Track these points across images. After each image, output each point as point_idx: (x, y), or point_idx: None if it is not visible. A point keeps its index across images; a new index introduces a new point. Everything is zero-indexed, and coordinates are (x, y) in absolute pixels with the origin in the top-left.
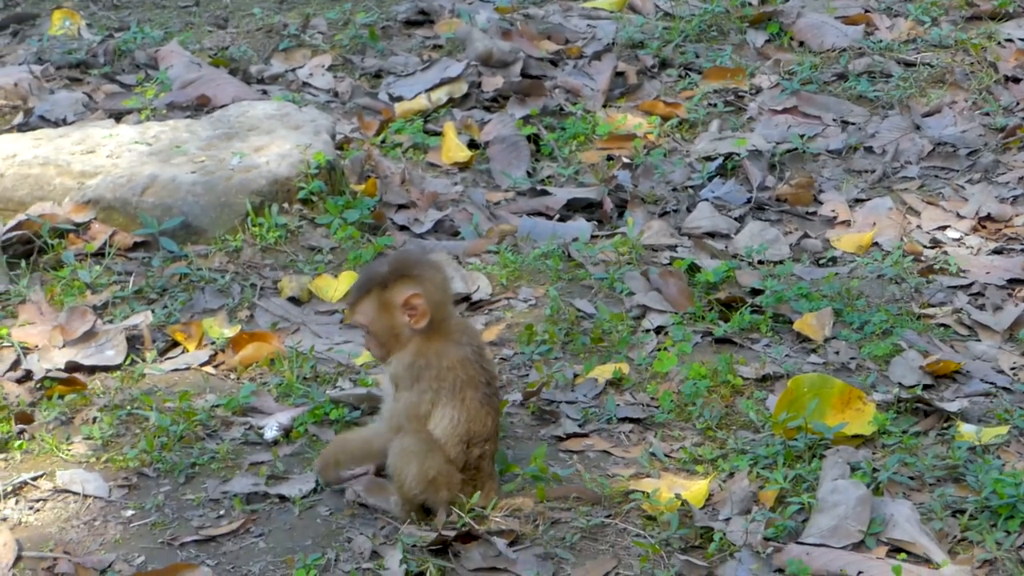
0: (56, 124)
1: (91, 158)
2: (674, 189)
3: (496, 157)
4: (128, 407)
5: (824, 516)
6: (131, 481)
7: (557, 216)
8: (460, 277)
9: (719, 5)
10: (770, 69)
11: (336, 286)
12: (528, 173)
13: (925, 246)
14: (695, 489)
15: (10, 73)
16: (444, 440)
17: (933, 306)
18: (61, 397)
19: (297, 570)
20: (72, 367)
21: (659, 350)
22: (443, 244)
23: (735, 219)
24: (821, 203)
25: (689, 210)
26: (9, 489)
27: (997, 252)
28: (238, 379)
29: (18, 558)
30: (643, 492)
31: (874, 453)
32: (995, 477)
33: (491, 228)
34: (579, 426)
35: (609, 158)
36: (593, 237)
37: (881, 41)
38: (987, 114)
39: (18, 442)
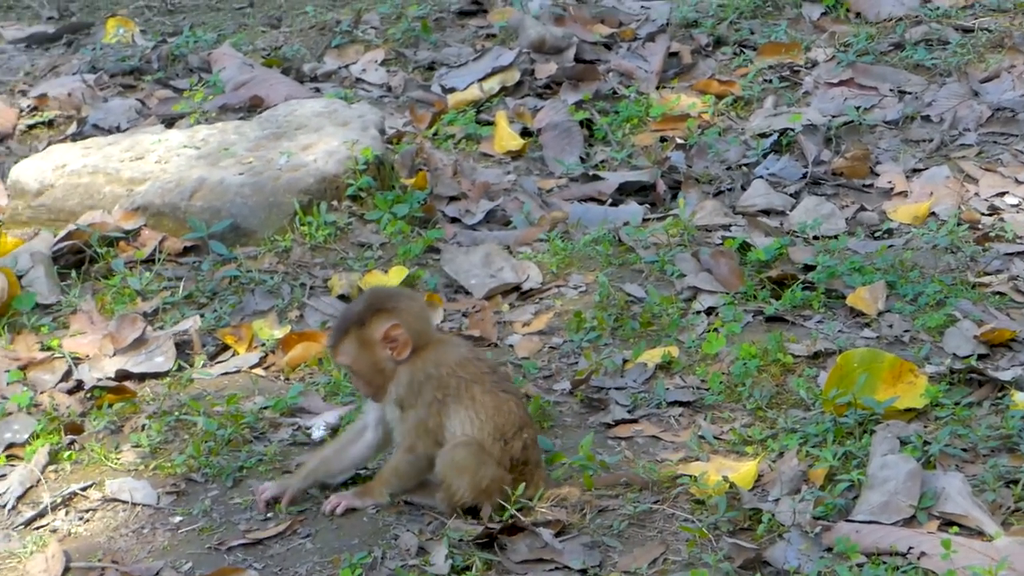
0: (109, 132)
1: (140, 164)
2: (728, 168)
3: (549, 144)
4: (176, 413)
5: (874, 492)
6: (179, 487)
7: (609, 201)
8: (511, 267)
9: None
10: (825, 42)
11: (387, 282)
12: (581, 159)
13: (983, 214)
14: (744, 471)
15: (64, 83)
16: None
17: (989, 274)
18: (111, 406)
19: (343, 570)
20: (122, 375)
21: (709, 331)
22: (494, 234)
23: (790, 195)
24: (877, 175)
25: (743, 188)
26: (59, 500)
27: None
28: (287, 380)
29: (66, 569)
30: (691, 476)
31: (926, 426)
32: None
33: (542, 216)
34: (628, 412)
35: (663, 140)
36: (645, 220)
37: (938, 8)
38: None
39: (68, 453)
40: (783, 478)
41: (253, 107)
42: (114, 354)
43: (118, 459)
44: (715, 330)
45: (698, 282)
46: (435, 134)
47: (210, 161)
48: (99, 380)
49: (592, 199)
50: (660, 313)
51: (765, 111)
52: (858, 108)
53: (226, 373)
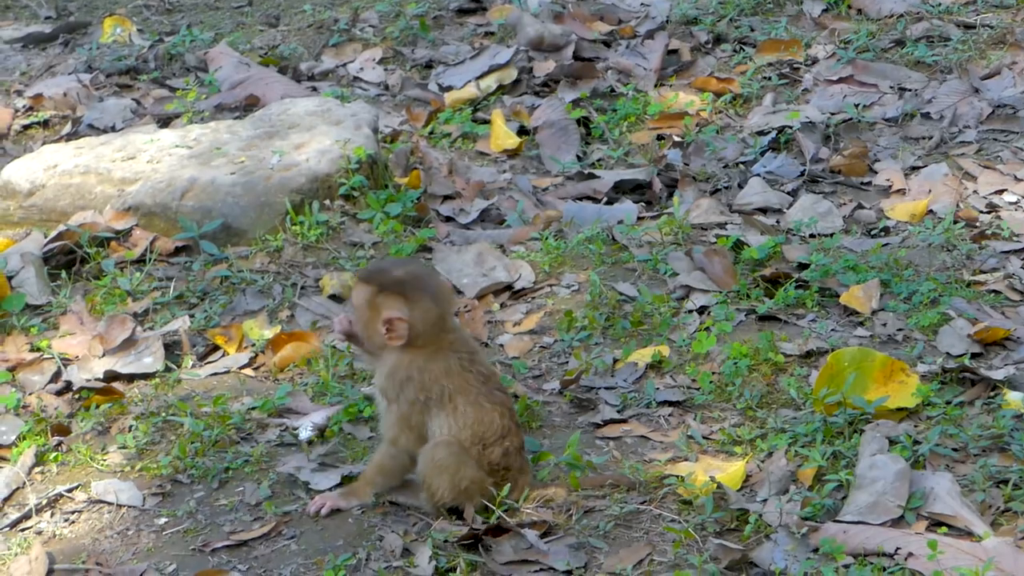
0: (104, 132)
1: (131, 164)
2: (726, 166)
3: (545, 142)
4: (163, 414)
5: (862, 493)
6: (165, 488)
7: (604, 199)
8: (503, 266)
9: None
10: (826, 39)
11: None
12: (578, 157)
13: (980, 211)
14: (732, 471)
15: (60, 83)
16: None
17: (984, 272)
18: (98, 407)
19: (327, 571)
20: (111, 376)
21: (700, 331)
22: (487, 233)
23: (788, 193)
24: (876, 172)
25: (740, 186)
26: (44, 502)
27: None
28: (276, 381)
29: (50, 571)
30: (678, 476)
31: (916, 426)
32: None
33: (536, 215)
34: (618, 412)
35: (660, 138)
36: (640, 219)
37: (940, 4)
38: None
39: (54, 454)
40: (771, 478)
41: (249, 106)
42: (103, 355)
43: (104, 460)
44: (706, 329)
45: (691, 281)
46: (431, 133)
47: (202, 161)
48: (87, 381)
49: (588, 197)
50: (652, 312)
51: (764, 108)
52: (857, 105)
53: (215, 374)
